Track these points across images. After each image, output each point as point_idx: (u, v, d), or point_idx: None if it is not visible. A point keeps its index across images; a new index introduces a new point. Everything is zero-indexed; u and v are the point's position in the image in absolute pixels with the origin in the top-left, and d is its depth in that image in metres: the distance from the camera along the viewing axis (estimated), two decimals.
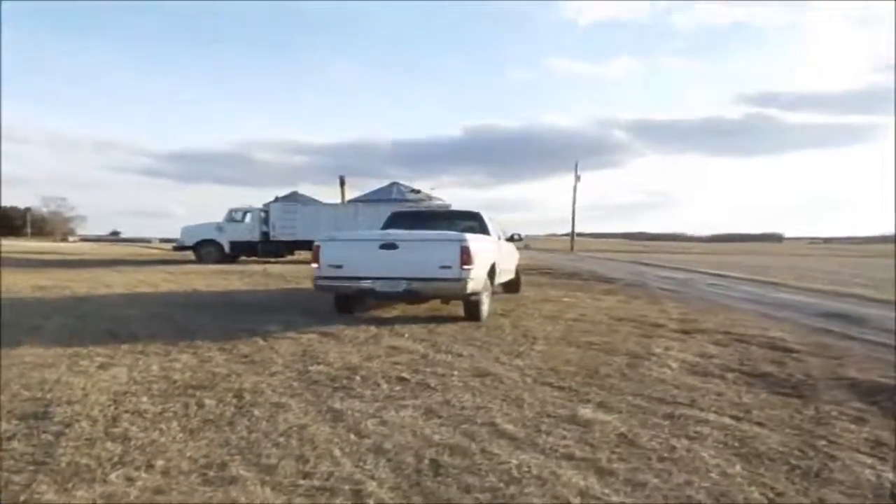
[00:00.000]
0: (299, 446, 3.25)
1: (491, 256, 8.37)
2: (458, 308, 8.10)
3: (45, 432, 3.38)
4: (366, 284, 7.42)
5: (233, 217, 23.45)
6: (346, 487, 2.72)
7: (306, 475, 2.86)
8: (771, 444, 3.48)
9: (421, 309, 8.76)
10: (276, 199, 25.75)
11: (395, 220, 9.66)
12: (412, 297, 7.67)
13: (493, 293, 8.73)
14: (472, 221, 9.29)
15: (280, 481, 2.79)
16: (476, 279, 7.44)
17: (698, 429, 3.72)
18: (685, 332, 7.40)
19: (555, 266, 23.47)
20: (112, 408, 3.87)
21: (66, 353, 5.49)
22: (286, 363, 5.23)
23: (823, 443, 3.51)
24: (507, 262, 9.99)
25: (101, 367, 5.02)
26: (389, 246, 7.44)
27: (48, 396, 4.08)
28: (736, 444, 3.46)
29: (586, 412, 3.98)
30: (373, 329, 6.89)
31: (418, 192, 42.14)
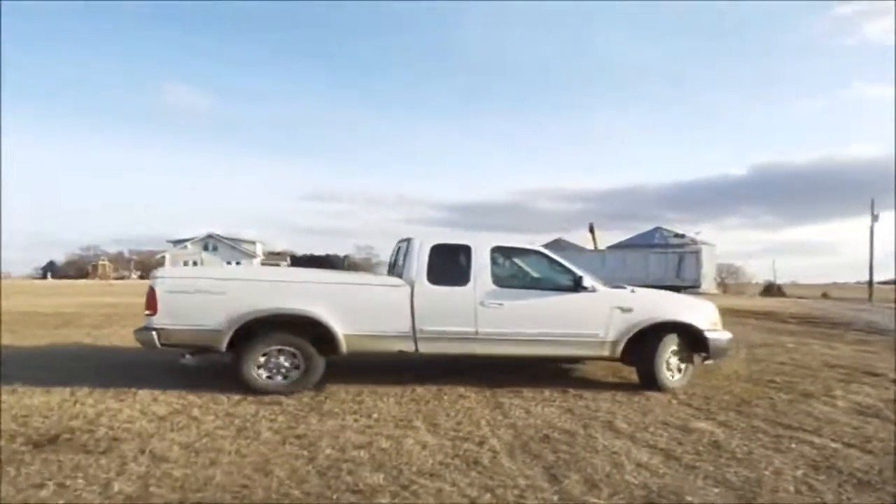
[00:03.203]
0: (461, 417, 4.79)
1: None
2: None
3: None
4: None
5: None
6: (476, 438, 4.20)
7: (457, 430, 4.41)
8: (854, 464, 3.96)
9: None
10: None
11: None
12: None
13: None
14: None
15: (439, 432, 4.37)
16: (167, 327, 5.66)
17: (792, 445, 4.33)
18: None
19: (825, 315, 21.27)
20: None
21: None
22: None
23: None
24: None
25: None
26: None
27: None
28: (817, 459, 4.03)
29: (699, 424, 4.80)
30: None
31: (682, 236, 41.04)
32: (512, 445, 4.13)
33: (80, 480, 3.33)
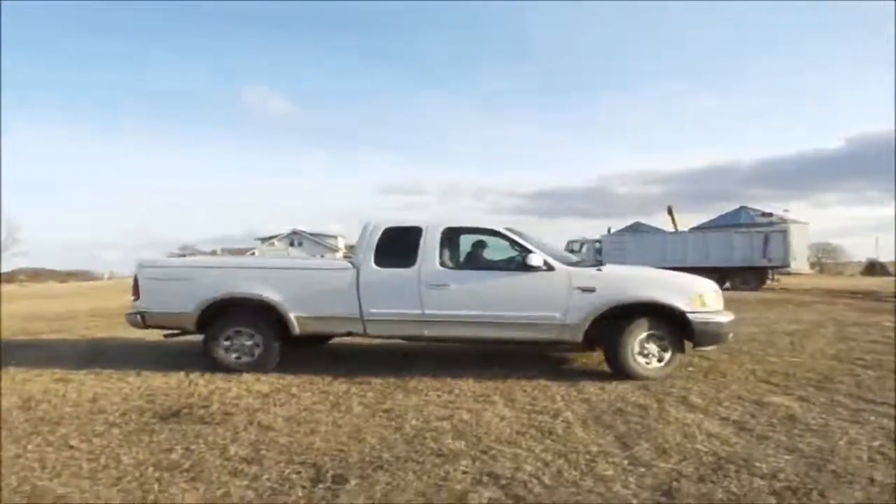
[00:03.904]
0: (537, 393, 5.05)
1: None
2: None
3: None
4: None
5: (571, 248, 26.15)
6: (551, 411, 4.46)
7: (533, 405, 4.67)
8: None
9: None
10: (609, 231, 27.63)
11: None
12: None
13: None
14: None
15: (516, 406, 4.65)
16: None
17: (872, 418, 4.31)
18: None
19: None
20: None
21: None
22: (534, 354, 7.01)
23: None
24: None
25: None
26: None
27: None
28: None
29: (775, 399, 4.85)
30: None
31: (770, 214, 39.18)
32: (585, 418, 4.35)
33: (202, 445, 3.84)
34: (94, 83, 79.11)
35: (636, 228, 37.76)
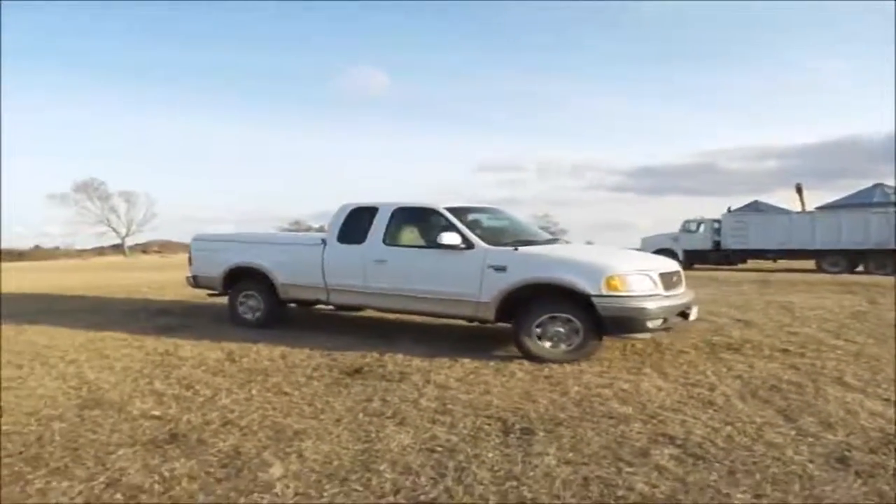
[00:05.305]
0: (686, 368, 5.28)
1: None
2: None
3: None
4: None
5: (687, 228, 25.35)
6: (706, 385, 4.71)
7: (686, 378, 4.93)
8: None
9: None
10: (729, 210, 26.48)
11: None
12: None
13: None
14: None
15: (669, 379, 4.93)
16: None
17: None
18: None
19: None
20: None
21: None
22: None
23: None
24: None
25: None
26: None
27: None
28: None
29: None
30: None
31: None
32: (742, 392, 4.56)
33: (394, 398, 4.44)
34: (214, 65, 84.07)
35: (755, 207, 35.79)
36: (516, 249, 6.01)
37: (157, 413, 4.14)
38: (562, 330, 5.60)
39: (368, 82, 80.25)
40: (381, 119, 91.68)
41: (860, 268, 21.22)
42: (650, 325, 5.42)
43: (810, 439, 3.55)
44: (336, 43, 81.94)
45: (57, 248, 61.36)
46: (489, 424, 3.84)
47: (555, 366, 5.34)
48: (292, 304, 8.10)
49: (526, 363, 5.43)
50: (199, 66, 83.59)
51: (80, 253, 59.26)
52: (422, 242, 6.69)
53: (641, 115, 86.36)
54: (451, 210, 6.49)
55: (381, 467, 3.17)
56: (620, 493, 2.84)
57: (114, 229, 64.25)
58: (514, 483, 2.96)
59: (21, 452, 3.42)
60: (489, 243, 6.13)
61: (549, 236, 7.63)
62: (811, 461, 3.21)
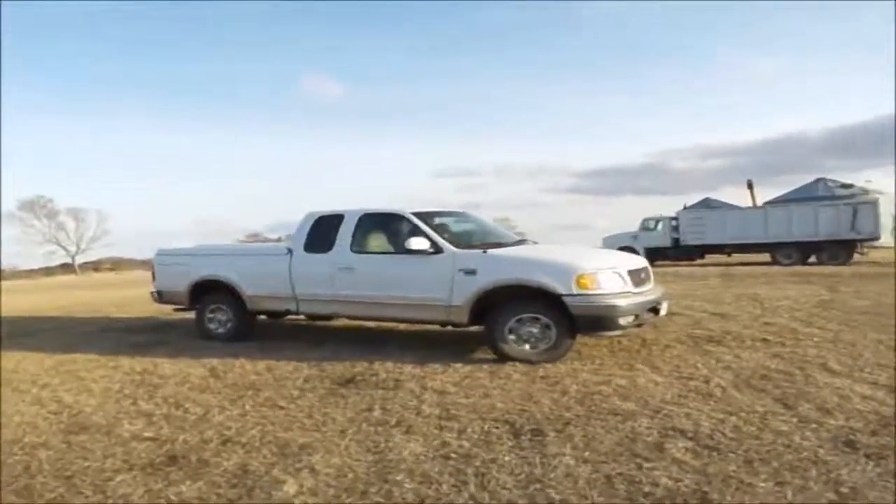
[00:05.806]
0: (677, 362, 5.36)
1: None
2: None
3: None
4: None
5: (647, 226, 25.89)
6: (700, 377, 4.78)
7: (679, 372, 4.99)
8: None
9: None
10: (685, 207, 27.14)
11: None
12: None
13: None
14: None
15: (663, 373, 4.98)
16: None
17: None
18: None
19: None
20: None
21: None
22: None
23: None
24: None
25: None
26: None
27: None
28: None
29: None
30: None
31: (850, 185, 37.55)
32: (736, 382, 4.64)
33: (395, 405, 4.36)
34: (175, 76, 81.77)
35: (706, 204, 36.80)
36: (485, 252, 5.97)
37: (149, 434, 3.96)
38: (534, 330, 5.59)
39: (323, 90, 79.53)
40: (336, 129, 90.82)
41: (813, 258, 22.02)
42: (622, 321, 5.44)
43: (813, 425, 3.62)
44: (289, 51, 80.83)
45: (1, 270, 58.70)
46: (497, 428, 3.80)
47: (549, 366, 5.34)
48: (262, 316, 7.94)
49: (519, 365, 5.40)
50: (148, 77, 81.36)
51: (28, 273, 56.76)
52: (390, 248, 6.58)
53: (593, 117, 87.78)
54: (417, 215, 6.42)
55: (399, 477, 3.10)
56: (647, 489, 2.84)
57: (63, 248, 61.90)
58: (539, 485, 2.92)
59: (10, 484, 3.22)
60: (458, 247, 6.10)
61: (517, 238, 7.62)
62: (820, 446, 3.28)
